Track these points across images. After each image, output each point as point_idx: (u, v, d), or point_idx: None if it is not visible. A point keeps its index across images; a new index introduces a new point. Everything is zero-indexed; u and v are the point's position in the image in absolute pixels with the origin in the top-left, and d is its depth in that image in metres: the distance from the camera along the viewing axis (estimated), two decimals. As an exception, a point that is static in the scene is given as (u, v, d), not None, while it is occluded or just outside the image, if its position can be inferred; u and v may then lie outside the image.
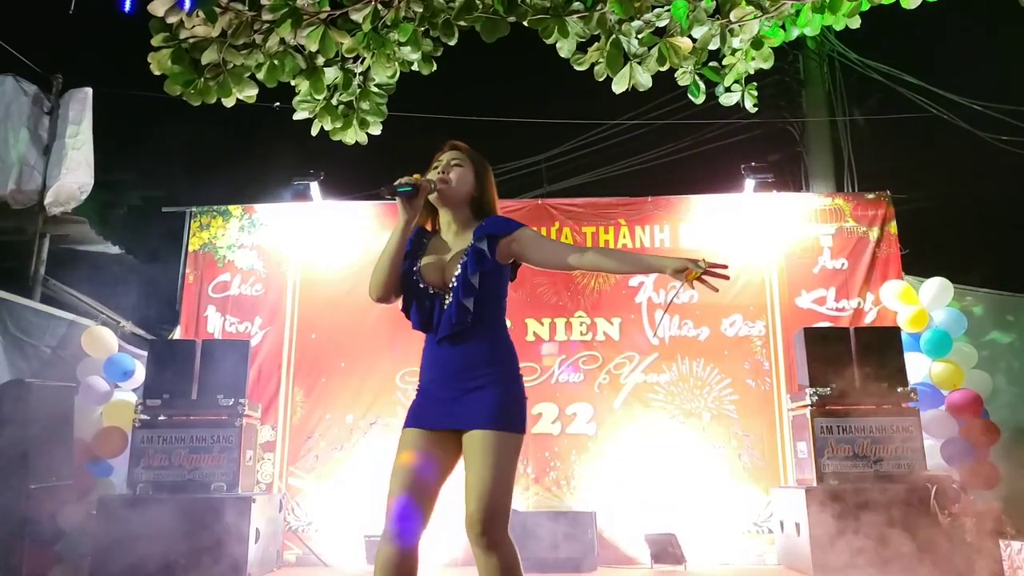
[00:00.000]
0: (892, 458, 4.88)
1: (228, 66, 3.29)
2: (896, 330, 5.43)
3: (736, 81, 3.61)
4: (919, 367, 5.50)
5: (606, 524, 5.46)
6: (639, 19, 3.23)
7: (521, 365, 2.30)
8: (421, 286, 2.27)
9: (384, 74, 3.47)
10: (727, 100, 3.67)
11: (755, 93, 3.66)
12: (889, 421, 4.96)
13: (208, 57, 3.24)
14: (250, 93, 3.41)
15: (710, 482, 5.63)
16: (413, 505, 2.09)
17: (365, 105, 3.59)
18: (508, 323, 2.37)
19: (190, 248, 6.33)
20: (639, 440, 5.76)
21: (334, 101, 3.56)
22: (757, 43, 3.41)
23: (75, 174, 6.31)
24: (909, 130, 7.65)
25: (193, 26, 3.18)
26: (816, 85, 8.11)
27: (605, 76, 3.36)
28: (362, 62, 3.48)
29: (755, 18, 3.27)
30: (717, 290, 2.17)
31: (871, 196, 6.27)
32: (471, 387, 2.16)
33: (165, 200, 6.69)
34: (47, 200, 6.24)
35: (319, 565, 5.51)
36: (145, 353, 5.58)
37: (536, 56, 3.78)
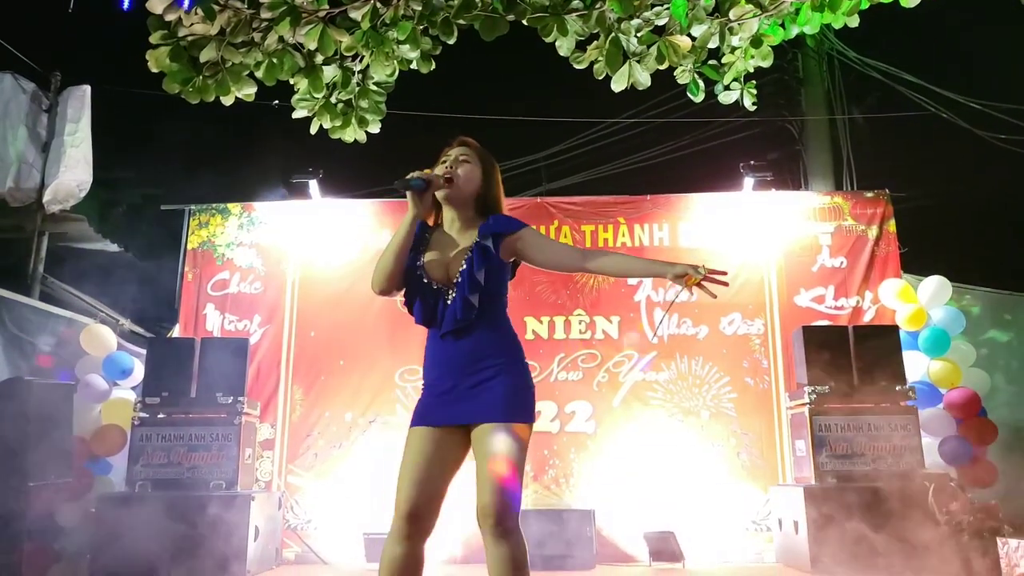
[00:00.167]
0: (890, 456, 4.89)
1: (227, 64, 3.29)
2: (894, 328, 5.44)
3: (735, 79, 3.61)
4: (917, 365, 5.51)
5: (605, 522, 5.47)
6: (638, 17, 3.23)
7: None
8: (425, 281, 2.27)
9: (383, 72, 3.47)
10: (726, 98, 3.67)
11: (754, 91, 3.66)
12: (887, 419, 4.97)
13: (207, 55, 3.23)
14: (248, 91, 3.41)
15: (709, 480, 5.64)
16: (422, 505, 2.10)
17: (364, 103, 3.60)
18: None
19: (189, 246, 6.33)
20: (638, 438, 5.77)
21: (333, 99, 3.56)
22: (756, 41, 3.41)
23: (74, 172, 6.30)
24: (908, 129, 7.65)
25: (192, 24, 3.17)
26: (815, 83, 8.11)
27: (604, 74, 3.36)
28: (361, 60, 3.48)
29: (754, 16, 3.27)
30: (715, 296, 2.24)
31: (870, 195, 6.28)
32: (478, 380, 2.17)
33: (164, 198, 6.69)
34: (46, 198, 6.23)
35: (318, 563, 5.52)
36: (144, 351, 5.58)
37: (535, 54, 3.78)
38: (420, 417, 2.22)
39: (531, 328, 6.02)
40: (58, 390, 5.01)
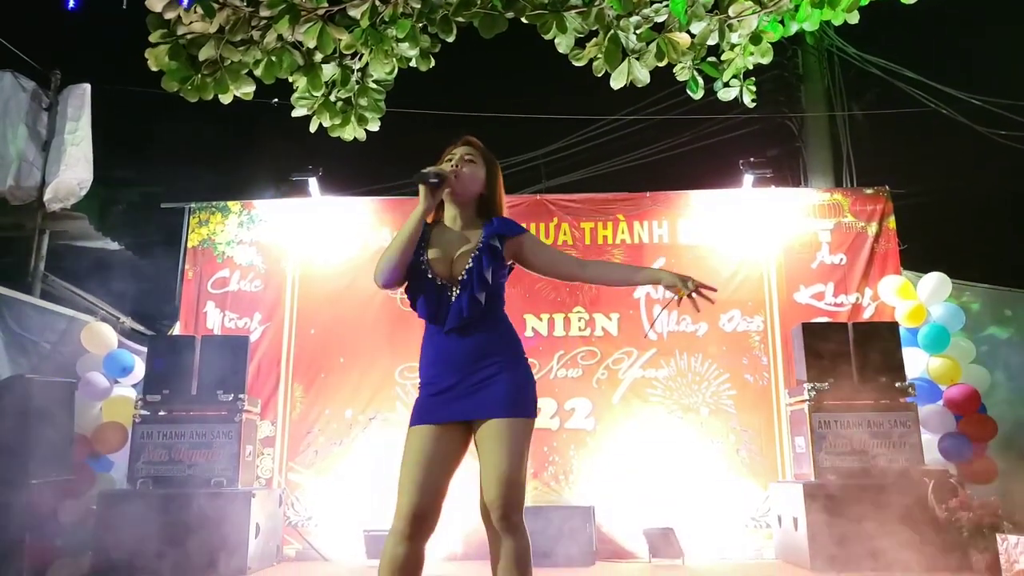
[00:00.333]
0: (890, 453, 4.90)
1: (225, 62, 3.29)
2: (894, 325, 5.44)
3: (735, 76, 3.60)
4: (917, 362, 5.52)
5: (604, 518, 5.48)
6: (637, 14, 3.23)
7: None
8: (429, 276, 2.29)
9: (382, 70, 3.47)
10: (726, 95, 3.67)
11: (753, 88, 3.65)
12: (887, 416, 4.97)
13: (206, 53, 3.23)
14: (247, 90, 3.41)
15: (708, 477, 5.65)
16: (426, 506, 2.10)
17: (363, 101, 3.60)
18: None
19: (189, 244, 6.33)
20: (637, 435, 5.78)
21: (332, 97, 3.56)
22: (756, 38, 3.41)
23: (74, 170, 6.31)
24: (908, 125, 7.65)
25: (191, 22, 3.17)
26: (815, 80, 8.10)
27: (603, 71, 3.36)
28: (360, 58, 3.48)
29: (754, 13, 3.26)
30: (700, 310, 2.36)
31: (869, 191, 6.28)
32: (482, 377, 2.19)
33: (164, 196, 6.70)
34: (46, 196, 6.24)
35: (319, 559, 5.53)
36: (145, 349, 5.59)
37: (534, 52, 3.79)
38: (420, 415, 2.22)
39: (531, 325, 6.03)
40: (59, 388, 5.02)
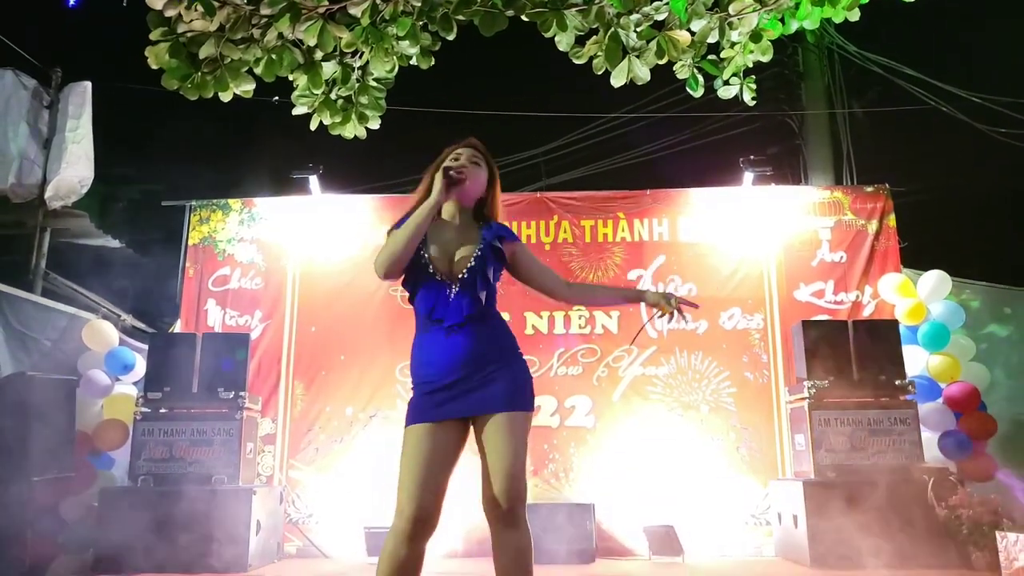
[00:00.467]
0: (889, 451, 4.90)
1: (226, 60, 3.29)
2: (894, 323, 5.44)
3: (735, 74, 3.60)
4: (917, 360, 5.52)
5: (604, 516, 5.49)
6: (637, 12, 3.23)
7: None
8: (430, 271, 2.30)
9: (382, 68, 3.47)
10: (726, 93, 3.66)
11: (754, 86, 3.65)
12: (886, 414, 4.97)
13: (206, 51, 3.23)
14: (247, 88, 3.41)
15: (708, 474, 5.66)
16: (427, 506, 2.10)
17: (364, 99, 3.59)
18: (506, 315, 2.43)
19: (190, 242, 6.34)
20: (637, 433, 5.79)
21: (333, 95, 3.56)
22: (756, 36, 3.40)
23: (75, 168, 6.32)
24: (908, 123, 7.66)
25: (191, 20, 3.17)
26: (815, 78, 8.10)
27: (603, 69, 3.36)
28: (360, 56, 3.48)
29: (754, 11, 3.26)
30: (686, 321, 2.51)
31: (870, 189, 6.28)
32: (483, 373, 2.20)
33: (165, 194, 6.71)
34: (47, 194, 6.25)
35: (319, 557, 5.54)
36: (145, 346, 5.60)
37: (534, 50, 3.79)
38: (417, 414, 2.21)
39: (531, 323, 6.04)
40: (60, 385, 5.03)
